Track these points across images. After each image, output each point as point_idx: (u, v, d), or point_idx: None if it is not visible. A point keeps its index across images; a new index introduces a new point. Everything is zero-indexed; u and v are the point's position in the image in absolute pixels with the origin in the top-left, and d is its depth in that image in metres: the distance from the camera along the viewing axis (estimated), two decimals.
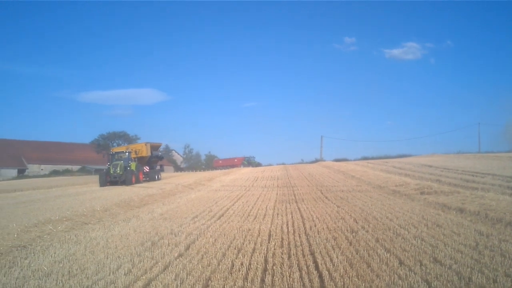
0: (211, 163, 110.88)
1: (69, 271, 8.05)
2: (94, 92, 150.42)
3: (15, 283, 7.45)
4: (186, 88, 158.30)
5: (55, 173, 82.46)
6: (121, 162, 39.51)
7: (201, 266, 7.94)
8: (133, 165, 40.16)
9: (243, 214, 15.10)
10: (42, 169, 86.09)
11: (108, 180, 38.99)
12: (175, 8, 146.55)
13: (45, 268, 8.37)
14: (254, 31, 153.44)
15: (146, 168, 44.56)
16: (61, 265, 8.58)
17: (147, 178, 43.81)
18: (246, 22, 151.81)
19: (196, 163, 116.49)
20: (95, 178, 42.35)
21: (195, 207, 17.92)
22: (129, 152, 41.13)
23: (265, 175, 43.59)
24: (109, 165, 40.41)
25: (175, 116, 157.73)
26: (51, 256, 9.52)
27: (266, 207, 16.90)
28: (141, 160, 43.08)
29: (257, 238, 10.56)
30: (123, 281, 7.19)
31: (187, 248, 9.68)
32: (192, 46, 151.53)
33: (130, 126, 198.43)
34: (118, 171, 38.76)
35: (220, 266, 7.93)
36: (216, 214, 15.27)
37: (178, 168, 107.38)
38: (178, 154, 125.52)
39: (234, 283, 6.95)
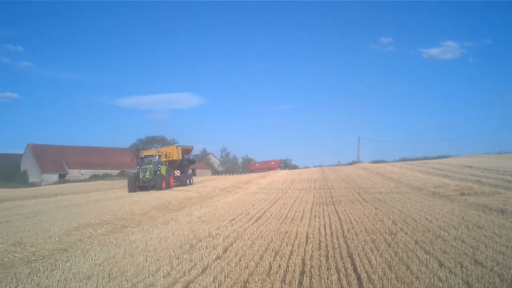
0: (248, 166, 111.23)
1: (109, 274, 8.14)
2: (132, 97, 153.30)
3: (57, 285, 7.58)
4: (223, 91, 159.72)
5: (94, 177, 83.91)
6: (150, 166, 37.57)
7: (239, 269, 7.95)
8: (163, 169, 38.22)
9: (280, 217, 15.09)
10: (82, 174, 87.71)
11: (137, 185, 37.16)
12: (211, 12, 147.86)
13: (86, 271, 8.49)
14: (289, 33, 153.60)
15: (177, 173, 42.33)
16: (101, 268, 8.68)
17: (178, 183, 41.70)
18: (281, 24, 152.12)
19: (233, 166, 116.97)
20: None
21: (233, 210, 17.98)
22: (159, 156, 39.03)
23: (302, 177, 43.51)
24: (138, 169, 38.42)
25: (212, 120, 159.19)
26: (92, 259, 9.64)
27: (303, 210, 16.84)
28: (172, 164, 41.06)
29: (294, 241, 10.53)
30: (162, 283, 7.25)
31: (225, 250, 9.71)
32: (228, 49, 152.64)
33: (168, 130, 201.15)
34: (148, 176, 36.76)
35: (257, 269, 7.92)
36: (253, 217, 15.29)
37: (215, 171, 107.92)
38: (215, 157, 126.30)
39: (272, 285, 6.95)
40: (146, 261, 9.04)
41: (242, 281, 7.16)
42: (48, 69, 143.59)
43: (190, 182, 44.22)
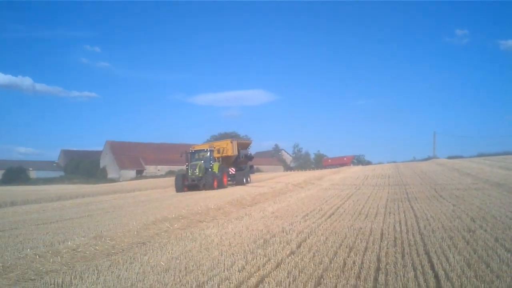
0: (320, 162, 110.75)
1: (185, 267, 8.27)
2: (206, 94, 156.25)
3: (136, 277, 7.75)
4: (294, 87, 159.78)
5: (170, 173, 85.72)
6: (200, 163, 33.37)
7: (313, 264, 7.94)
8: (215, 166, 34.11)
9: (354, 213, 14.96)
10: (158, 170, 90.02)
11: (186, 184, 33.32)
12: (282, 10, 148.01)
13: (163, 264, 8.66)
14: (360, 28, 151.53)
15: (232, 170, 37.94)
16: (178, 261, 8.84)
17: (234, 182, 37.60)
18: (351, 19, 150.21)
19: (305, 162, 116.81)
20: None
21: (306, 205, 17.96)
22: (211, 151, 34.74)
23: (375, 173, 42.85)
24: (187, 166, 34.30)
25: (284, 116, 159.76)
26: (169, 252, 9.84)
27: (378, 206, 16.62)
28: (226, 160, 36.79)
29: (369, 237, 10.42)
30: (237, 277, 7.33)
31: (299, 246, 9.72)
32: (299, 46, 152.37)
33: (241, 126, 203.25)
34: (197, 173, 32.66)
35: (332, 265, 7.89)
36: (326, 213, 15.23)
37: (287, 167, 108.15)
38: (288, 153, 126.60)
39: (347, 281, 6.91)
40: (221, 255, 9.16)
41: (317, 277, 7.15)
42: (124, 69, 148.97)
43: (247, 180, 39.09)
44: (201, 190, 31.96)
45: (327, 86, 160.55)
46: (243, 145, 40.65)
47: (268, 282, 7.03)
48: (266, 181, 41.25)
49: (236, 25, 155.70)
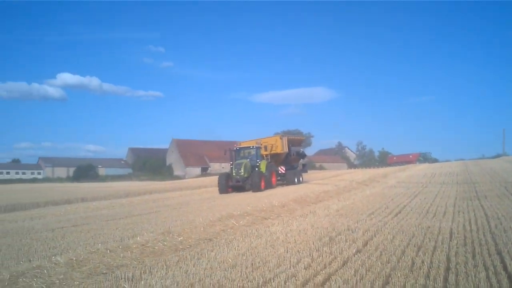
0: (384, 160, 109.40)
1: (252, 264, 8.31)
2: (268, 92, 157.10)
3: (203, 273, 7.84)
4: (356, 84, 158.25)
5: None
6: (246, 161, 30.43)
7: (380, 263, 7.84)
8: (262, 165, 30.85)
9: (422, 211, 14.67)
10: (223, 167, 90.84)
11: (230, 184, 30.06)
12: (342, 8, 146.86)
13: (230, 260, 8.71)
14: (426, 26, 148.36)
15: (282, 169, 34.46)
16: (244, 258, 8.88)
17: (284, 182, 34.34)
18: (417, 18, 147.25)
19: (369, 159, 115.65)
20: None
21: (371, 203, 17.74)
22: (258, 148, 31.62)
23: (442, 171, 41.85)
24: (231, 164, 31.46)
25: (347, 113, 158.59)
26: (235, 249, 9.90)
27: (446, 204, 16.22)
28: (276, 158, 33.61)
29: (437, 236, 10.19)
30: (303, 274, 7.31)
31: (365, 244, 9.62)
32: (361, 42, 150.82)
33: (304, 124, 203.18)
34: (242, 173, 29.61)
35: (400, 264, 7.76)
36: (393, 211, 14.99)
37: (351, 165, 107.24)
38: (351, 151, 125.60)
39: (416, 281, 6.77)
40: (287, 252, 9.16)
41: (384, 276, 7.05)
42: (187, 68, 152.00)
43: (299, 180, 35.49)
44: (247, 191, 29.54)
45: (391, 83, 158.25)
46: (295, 142, 36.98)
47: (335, 280, 6.97)
48: (330, 178, 41.01)
49: (298, 24, 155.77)
